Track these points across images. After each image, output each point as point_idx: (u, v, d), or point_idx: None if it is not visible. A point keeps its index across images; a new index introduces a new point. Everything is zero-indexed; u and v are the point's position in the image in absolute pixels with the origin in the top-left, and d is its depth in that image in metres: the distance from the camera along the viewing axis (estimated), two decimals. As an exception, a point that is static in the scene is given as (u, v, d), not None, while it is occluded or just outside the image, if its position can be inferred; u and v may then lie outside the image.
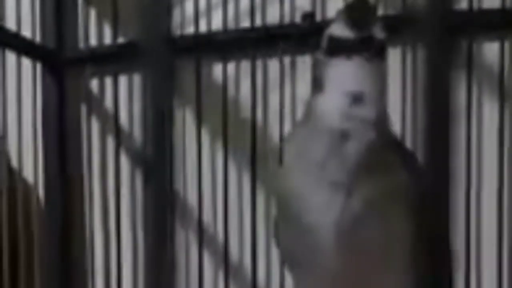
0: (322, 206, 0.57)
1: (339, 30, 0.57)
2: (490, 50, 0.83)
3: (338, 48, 0.56)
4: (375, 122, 0.57)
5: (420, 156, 0.25)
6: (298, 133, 0.60)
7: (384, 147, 0.58)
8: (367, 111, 0.56)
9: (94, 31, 0.99)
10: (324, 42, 0.58)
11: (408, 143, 0.69)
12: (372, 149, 0.56)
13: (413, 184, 0.59)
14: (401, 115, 0.83)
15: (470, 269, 0.82)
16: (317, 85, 0.58)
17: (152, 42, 0.26)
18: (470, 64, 0.82)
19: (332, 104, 0.56)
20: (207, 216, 0.92)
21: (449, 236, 0.25)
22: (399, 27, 0.77)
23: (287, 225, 0.60)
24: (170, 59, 0.27)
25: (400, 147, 0.61)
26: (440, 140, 0.25)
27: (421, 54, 0.25)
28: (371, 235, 0.57)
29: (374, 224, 0.57)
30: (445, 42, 0.25)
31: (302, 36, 0.87)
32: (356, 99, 0.56)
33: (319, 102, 0.57)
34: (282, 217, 0.61)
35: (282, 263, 0.86)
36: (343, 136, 0.56)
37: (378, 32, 0.57)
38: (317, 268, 0.59)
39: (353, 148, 0.56)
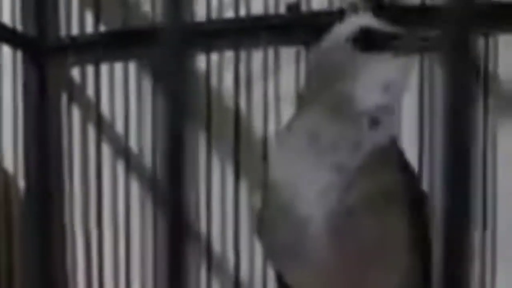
0: (319, 195, 0.57)
1: (371, 22, 0.59)
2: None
3: (372, 40, 0.58)
4: (396, 117, 0.58)
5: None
6: (306, 115, 0.60)
7: (391, 146, 0.59)
8: (393, 103, 0.58)
9: (76, 19, 0.98)
10: (353, 33, 0.59)
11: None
12: (388, 143, 0.58)
13: (406, 184, 0.60)
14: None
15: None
16: (337, 73, 0.59)
17: (172, 31, 0.26)
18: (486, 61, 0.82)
19: (367, 92, 0.57)
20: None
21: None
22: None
23: (276, 217, 0.60)
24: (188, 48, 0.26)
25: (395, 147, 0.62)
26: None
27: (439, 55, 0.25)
28: (363, 231, 0.57)
29: (368, 220, 0.57)
30: (466, 40, 0.24)
31: (287, 27, 0.87)
32: (387, 90, 0.58)
33: (349, 88, 0.58)
34: (271, 208, 0.61)
35: (265, 257, 0.86)
36: (373, 123, 0.57)
37: (400, 27, 0.59)
38: (306, 261, 0.59)
39: (377, 137, 0.57)
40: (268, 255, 0.66)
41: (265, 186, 0.62)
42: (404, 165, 0.62)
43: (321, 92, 0.59)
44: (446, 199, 0.24)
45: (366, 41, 0.58)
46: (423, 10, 0.84)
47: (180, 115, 0.25)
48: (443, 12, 0.25)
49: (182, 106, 0.25)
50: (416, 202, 0.61)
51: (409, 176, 0.62)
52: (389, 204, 0.58)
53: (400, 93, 0.59)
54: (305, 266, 0.59)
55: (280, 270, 0.64)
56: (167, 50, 0.26)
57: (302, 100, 0.63)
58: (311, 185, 0.57)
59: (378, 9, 0.61)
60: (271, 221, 0.61)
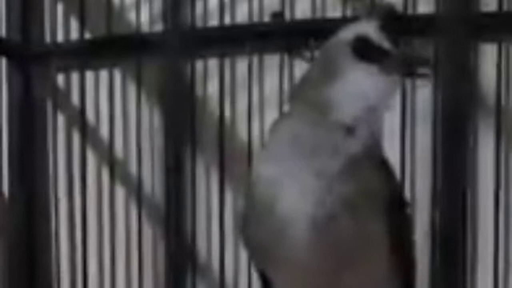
0: (300, 196, 0.58)
1: (372, 33, 0.59)
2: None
3: (366, 49, 0.58)
4: (377, 131, 0.59)
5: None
6: (291, 117, 0.61)
7: (371, 154, 0.60)
8: (375, 116, 0.58)
9: (61, 26, 0.98)
10: (350, 38, 0.59)
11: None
12: (366, 151, 0.58)
13: (387, 190, 0.61)
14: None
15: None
16: (329, 75, 0.59)
17: (174, 35, 0.26)
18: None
19: (347, 100, 0.58)
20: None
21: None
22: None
23: (258, 218, 0.61)
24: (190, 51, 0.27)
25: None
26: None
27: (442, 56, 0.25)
28: (343, 234, 0.58)
29: (347, 223, 0.58)
30: (466, 44, 0.25)
31: (271, 35, 0.88)
32: (371, 104, 0.58)
33: (331, 93, 0.58)
34: (254, 209, 0.61)
35: (250, 261, 0.87)
36: (348, 132, 0.58)
37: (405, 48, 0.59)
38: (286, 262, 0.60)
39: (352, 146, 0.58)
40: (251, 254, 0.67)
41: (249, 187, 0.62)
42: (386, 172, 0.63)
43: (307, 93, 0.60)
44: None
45: (360, 50, 0.59)
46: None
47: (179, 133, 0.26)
48: (439, 22, 0.25)
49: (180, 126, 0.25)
50: (396, 207, 0.62)
51: (390, 182, 0.63)
52: (369, 208, 0.59)
53: (380, 108, 0.59)
54: (286, 267, 0.60)
55: (263, 269, 0.65)
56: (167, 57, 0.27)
57: (290, 101, 0.63)
58: (292, 188, 0.58)
59: (391, 18, 0.61)
60: (254, 222, 0.61)
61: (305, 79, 0.63)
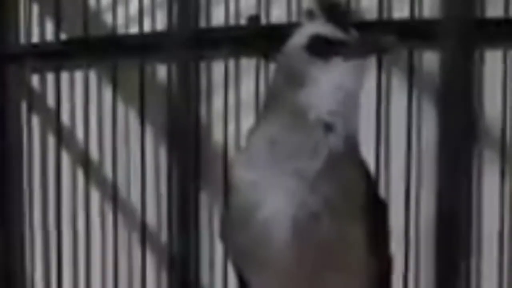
0: (282, 198, 0.58)
1: (324, 29, 0.59)
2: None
3: (322, 47, 0.59)
4: (354, 124, 0.60)
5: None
6: (267, 123, 0.61)
7: (350, 151, 0.60)
8: (350, 108, 0.59)
9: (36, 27, 0.98)
10: (305, 40, 0.60)
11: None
12: (346, 148, 0.59)
13: (366, 189, 0.61)
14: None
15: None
16: (294, 80, 0.60)
17: (179, 35, 0.26)
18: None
19: (319, 99, 0.58)
20: (150, 216, 0.93)
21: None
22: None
23: (241, 221, 0.61)
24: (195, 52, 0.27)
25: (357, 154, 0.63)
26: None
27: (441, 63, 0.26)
28: (325, 235, 0.59)
29: (331, 222, 0.59)
30: (466, 50, 0.25)
31: (247, 38, 0.88)
32: (342, 95, 0.59)
33: (303, 96, 0.59)
34: (234, 211, 0.62)
35: (227, 258, 0.87)
36: (327, 129, 0.58)
37: (355, 33, 0.60)
38: (268, 264, 0.60)
39: (333, 142, 0.58)
40: (231, 255, 0.67)
41: (228, 189, 0.63)
42: (364, 170, 0.63)
43: (280, 99, 0.61)
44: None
45: (318, 48, 0.59)
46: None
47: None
48: (441, 27, 0.25)
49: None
50: (377, 207, 0.62)
51: (368, 181, 0.63)
52: (349, 208, 0.60)
53: (353, 96, 0.60)
54: (267, 269, 0.61)
55: (242, 271, 0.65)
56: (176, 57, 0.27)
57: (265, 107, 0.64)
58: (274, 190, 0.59)
59: (335, 15, 0.62)
60: (235, 224, 0.62)
61: (272, 88, 0.63)
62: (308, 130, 0.59)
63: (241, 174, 0.61)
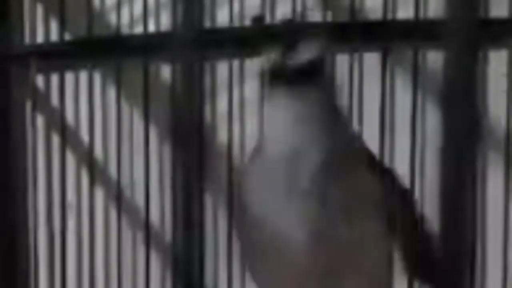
0: (295, 208, 0.58)
1: (277, 58, 0.58)
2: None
3: (279, 75, 0.58)
4: (326, 135, 0.58)
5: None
6: (259, 153, 0.61)
7: (349, 154, 0.59)
8: (313, 129, 0.58)
9: (41, 27, 0.98)
10: (264, 70, 0.59)
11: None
12: (332, 158, 0.58)
13: (384, 187, 0.60)
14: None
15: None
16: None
17: (184, 34, 0.26)
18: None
19: (278, 129, 0.58)
20: (154, 217, 0.93)
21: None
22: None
23: (254, 226, 0.61)
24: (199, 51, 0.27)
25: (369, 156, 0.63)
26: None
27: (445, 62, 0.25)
28: (344, 239, 0.58)
29: (347, 227, 0.58)
30: (470, 51, 0.25)
31: (252, 39, 0.88)
32: (299, 120, 0.58)
33: (266, 127, 0.59)
34: (249, 217, 0.62)
35: (230, 263, 0.87)
36: (294, 158, 0.58)
37: (311, 52, 0.58)
38: (284, 270, 0.60)
39: (306, 166, 0.58)
40: (245, 259, 0.67)
41: (233, 189, 0.63)
42: (375, 165, 0.62)
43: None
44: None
45: (276, 75, 0.58)
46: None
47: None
48: (447, 27, 0.25)
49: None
50: (397, 205, 0.61)
51: (382, 176, 0.62)
52: (365, 208, 0.59)
53: (320, 119, 0.59)
54: (283, 275, 0.61)
55: (255, 278, 0.65)
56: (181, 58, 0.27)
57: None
58: (286, 209, 0.58)
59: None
60: (250, 228, 0.62)
61: None
62: (279, 162, 0.59)
63: (249, 198, 0.61)
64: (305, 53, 0.58)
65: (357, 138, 0.63)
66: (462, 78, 0.25)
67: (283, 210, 0.57)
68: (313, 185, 0.57)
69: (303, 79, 0.57)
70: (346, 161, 0.59)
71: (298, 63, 0.57)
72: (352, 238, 0.57)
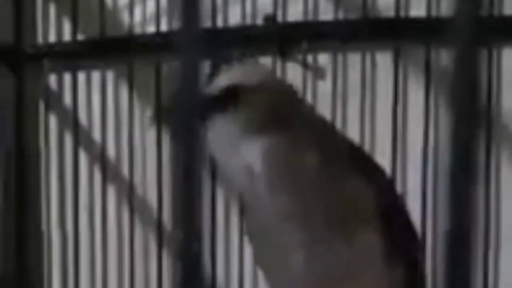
0: (286, 225, 0.58)
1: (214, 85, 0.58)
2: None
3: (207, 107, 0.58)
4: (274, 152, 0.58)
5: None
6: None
7: (325, 164, 0.58)
8: (253, 153, 0.57)
9: (53, 27, 0.98)
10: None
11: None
12: (300, 171, 0.58)
13: (375, 195, 0.60)
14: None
15: None
16: None
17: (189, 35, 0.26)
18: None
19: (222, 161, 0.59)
20: (167, 215, 0.93)
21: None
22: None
23: (256, 239, 0.62)
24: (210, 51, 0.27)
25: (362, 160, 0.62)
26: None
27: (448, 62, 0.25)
28: (337, 253, 0.58)
29: (340, 241, 0.58)
30: (475, 50, 0.25)
31: (264, 38, 0.88)
32: (232, 149, 0.57)
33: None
34: (252, 228, 0.62)
35: (241, 262, 0.87)
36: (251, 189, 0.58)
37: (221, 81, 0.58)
38: (286, 283, 0.60)
39: (265, 188, 0.58)
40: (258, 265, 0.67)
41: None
42: (371, 171, 0.61)
43: None
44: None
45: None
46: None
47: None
48: (449, 25, 0.25)
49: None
50: (390, 212, 0.60)
51: (378, 184, 0.61)
52: (358, 219, 0.58)
53: (259, 140, 0.58)
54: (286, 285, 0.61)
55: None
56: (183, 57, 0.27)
57: None
58: (280, 228, 0.58)
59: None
60: (254, 239, 0.62)
61: None
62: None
63: (248, 226, 0.62)
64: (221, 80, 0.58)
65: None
66: (467, 74, 0.25)
67: (278, 230, 0.58)
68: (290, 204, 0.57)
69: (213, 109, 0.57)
70: (324, 172, 0.58)
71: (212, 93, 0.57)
72: (346, 246, 0.57)
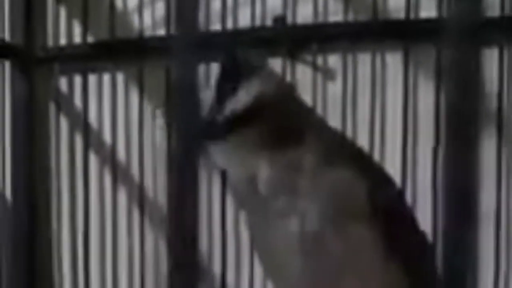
0: (282, 226, 0.58)
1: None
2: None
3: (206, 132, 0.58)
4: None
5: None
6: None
7: (320, 165, 0.58)
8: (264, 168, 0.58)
9: (64, 30, 0.98)
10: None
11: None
12: (297, 173, 0.58)
13: (368, 189, 0.59)
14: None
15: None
16: None
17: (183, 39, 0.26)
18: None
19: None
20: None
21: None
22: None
23: (255, 240, 0.62)
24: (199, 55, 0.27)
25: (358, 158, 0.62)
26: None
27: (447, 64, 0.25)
28: (333, 246, 0.58)
29: (333, 238, 0.58)
30: (472, 50, 0.25)
31: (273, 39, 0.88)
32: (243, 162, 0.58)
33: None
34: (251, 229, 0.63)
35: (252, 262, 0.87)
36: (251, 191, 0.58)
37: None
38: (285, 283, 0.60)
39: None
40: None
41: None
42: (365, 166, 0.61)
43: None
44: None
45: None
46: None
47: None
48: (446, 26, 0.25)
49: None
50: (384, 207, 0.60)
51: (372, 179, 0.61)
52: (351, 213, 0.58)
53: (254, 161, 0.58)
54: (282, 282, 0.61)
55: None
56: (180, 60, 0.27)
57: None
58: (275, 227, 0.59)
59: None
60: (253, 240, 0.63)
61: None
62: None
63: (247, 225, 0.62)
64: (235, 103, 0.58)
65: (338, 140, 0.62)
66: (463, 74, 0.25)
67: (273, 229, 0.58)
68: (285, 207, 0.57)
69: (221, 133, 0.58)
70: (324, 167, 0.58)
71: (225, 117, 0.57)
72: (341, 242, 0.57)
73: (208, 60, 0.90)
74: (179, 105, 0.26)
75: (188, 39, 0.27)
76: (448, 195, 0.25)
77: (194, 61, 0.27)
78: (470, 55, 0.25)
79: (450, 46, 0.25)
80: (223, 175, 0.88)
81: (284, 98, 0.59)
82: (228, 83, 0.58)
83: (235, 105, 0.57)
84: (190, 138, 0.26)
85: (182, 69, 0.27)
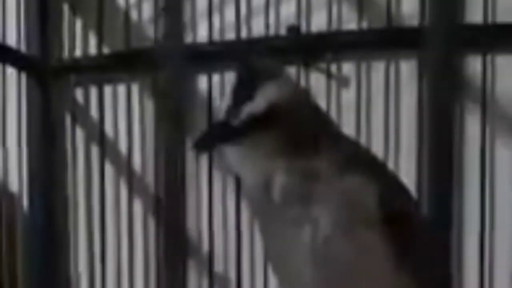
0: (292, 233, 0.58)
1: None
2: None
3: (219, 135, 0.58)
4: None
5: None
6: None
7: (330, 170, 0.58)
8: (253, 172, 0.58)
9: (79, 41, 0.99)
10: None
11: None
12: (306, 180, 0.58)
13: (379, 197, 0.59)
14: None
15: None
16: None
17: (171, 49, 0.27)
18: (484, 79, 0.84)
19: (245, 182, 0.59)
20: (191, 225, 0.93)
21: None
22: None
23: (267, 245, 0.62)
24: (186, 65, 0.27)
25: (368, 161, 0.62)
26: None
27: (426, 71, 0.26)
28: (341, 256, 0.58)
29: (343, 243, 0.57)
30: (451, 57, 0.25)
31: (287, 48, 0.88)
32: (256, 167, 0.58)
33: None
34: (263, 234, 0.62)
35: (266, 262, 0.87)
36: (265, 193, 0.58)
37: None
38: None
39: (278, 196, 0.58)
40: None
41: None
42: (378, 174, 0.61)
43: None
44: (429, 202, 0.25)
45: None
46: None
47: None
48: (426, 34, 0.25)
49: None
50: (396, 215, 0.59)
51: (384, 186, 0.60)
52: (363, 223, 0.58)
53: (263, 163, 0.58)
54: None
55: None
56: (168, 71, 0.27)
57: None
58: (285, 235, 0.58)
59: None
60: (265, 247, 0.63)
61: None
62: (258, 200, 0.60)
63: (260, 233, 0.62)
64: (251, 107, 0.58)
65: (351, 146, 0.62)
66: (444, 68, 0.25)
67: (282, 236, 0.58)
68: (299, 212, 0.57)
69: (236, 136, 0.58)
70: (329, 180, 0.58)
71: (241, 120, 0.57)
72: (350, 248, 0.56)
73: (218, 71, 0.91)
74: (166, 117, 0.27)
75: (174, 51, 0.27)
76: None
77: (183, 73, 0.28)
78: (453, 60, 0.26)
79: (433, 52, 0.26)
80: (238, 181, 0.89)
81: (300, 103, 0.59)
82: (244, 90, 0.58)
83: (251, 109, 0.57)
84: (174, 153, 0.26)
85: (172, 79, 0.28)
